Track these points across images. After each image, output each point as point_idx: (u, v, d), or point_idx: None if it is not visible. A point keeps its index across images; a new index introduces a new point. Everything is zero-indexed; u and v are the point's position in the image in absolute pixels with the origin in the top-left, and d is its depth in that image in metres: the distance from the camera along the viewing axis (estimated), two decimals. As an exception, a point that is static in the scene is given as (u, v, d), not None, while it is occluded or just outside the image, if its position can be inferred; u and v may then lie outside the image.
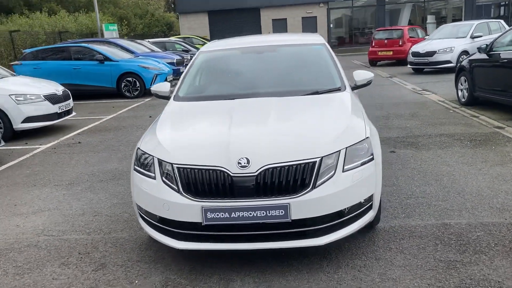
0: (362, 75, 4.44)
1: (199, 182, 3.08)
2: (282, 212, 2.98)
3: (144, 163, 3.39)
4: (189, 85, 4.53)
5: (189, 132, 3.63)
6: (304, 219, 3.03)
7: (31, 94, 8.43)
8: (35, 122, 8.45)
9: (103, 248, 3.78)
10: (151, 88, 4.67)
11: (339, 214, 3.13)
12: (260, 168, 3.02)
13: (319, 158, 3.09)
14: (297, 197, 2.99)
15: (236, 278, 3.17)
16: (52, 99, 8.71)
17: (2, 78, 8.95)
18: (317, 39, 4.91)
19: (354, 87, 4.42)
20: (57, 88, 9.08)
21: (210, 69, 4.69)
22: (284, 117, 3.63)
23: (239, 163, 3.05)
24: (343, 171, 3.13)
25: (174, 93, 4.47)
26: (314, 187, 3.03)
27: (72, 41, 18.41)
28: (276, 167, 3.03)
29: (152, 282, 3.21)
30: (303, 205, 3.00)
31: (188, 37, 27.56)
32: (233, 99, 4.11)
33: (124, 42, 16.99)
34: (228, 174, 3.03)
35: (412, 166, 5.37)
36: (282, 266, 3.27)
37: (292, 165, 3.04)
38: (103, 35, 22.59)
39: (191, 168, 3.12)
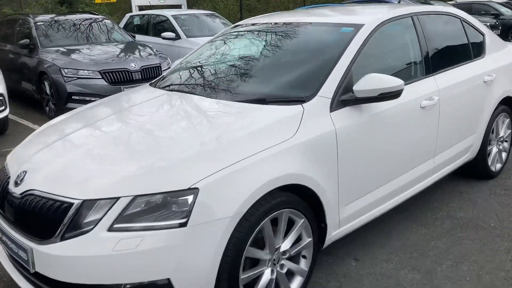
0: (372, 81, 2.63)
1: None
2: (26, 256, 2.21)
3: None
4: (180, 65, 3.70)
5: (58, 124, 3.03)
6: (46, 278, 2.15)
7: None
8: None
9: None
10: None
11: (91, 290, 2.07)
12: (26, 191, 2.28)
13: (80, 202, 2.08)
14: (40, 244, 2.14)
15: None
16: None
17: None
18: (365, 18, 3.15)
19: (353, 100, 2.69)
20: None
21: (210, 49, 3.70)
22: (154, 128, 2.58)
23: (18, 176, 2.39)
24: (109, 229, 2.03)
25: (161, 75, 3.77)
26: (62, 238, 2.09)
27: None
28: (38, 196, 2.22)
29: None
30: (45, 258, 2.13)
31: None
32: (171, 90, 3.19)
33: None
34: (6, 186, 2.44)
35: (522, 253, 3.03)
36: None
37: (51, 199, 2.16)
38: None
39: (4, 166, 2.67)
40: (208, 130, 2.45)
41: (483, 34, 4.15)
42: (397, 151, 3.02)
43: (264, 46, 3.32)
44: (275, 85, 2.89)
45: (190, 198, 2.04)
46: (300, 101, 2.63)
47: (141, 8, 13.30)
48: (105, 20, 8.64)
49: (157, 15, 10.10)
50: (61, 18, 8.26)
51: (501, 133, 4.29)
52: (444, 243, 3.19)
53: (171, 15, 9.67)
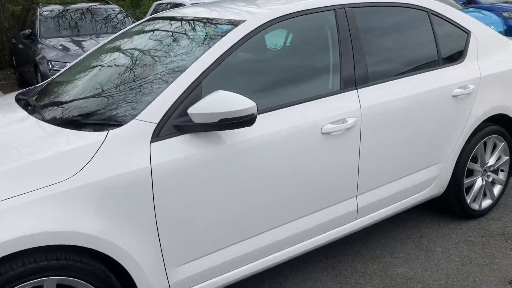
0: (215, 102, 1.90)
1: None
2: None
3: None
4: (74, 67, 3.12)
5: None
6: None
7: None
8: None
9: None
10: None
11: None
12: None
13: None
14: None
15: None
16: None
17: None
18: (253, 12, 2.40)
19: (191, 126, 1.99)
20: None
21: (114, 45, 3.05)
22: None
23: None
24: None
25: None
26: None
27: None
28: None
29: None
30: None
31: None
32: (18, 100, 2.65)
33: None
34: None
35: None
36: None
37: None
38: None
39: None
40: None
41: (467, 32, 3.16)
42: (275, 192, 2.26)
43: (121, 53, 2.68)
44: (96, 103, 2.23)
45: None
46: (115, 125, 1.98)
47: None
48: (116, 10, 8.33)
49: (178, 3, 9.64)
50: (69, 7, 8.07)
51: (490, 161, 3.30)
52: (349, 315, 2.40)
53: (190, 3, 9.16)
